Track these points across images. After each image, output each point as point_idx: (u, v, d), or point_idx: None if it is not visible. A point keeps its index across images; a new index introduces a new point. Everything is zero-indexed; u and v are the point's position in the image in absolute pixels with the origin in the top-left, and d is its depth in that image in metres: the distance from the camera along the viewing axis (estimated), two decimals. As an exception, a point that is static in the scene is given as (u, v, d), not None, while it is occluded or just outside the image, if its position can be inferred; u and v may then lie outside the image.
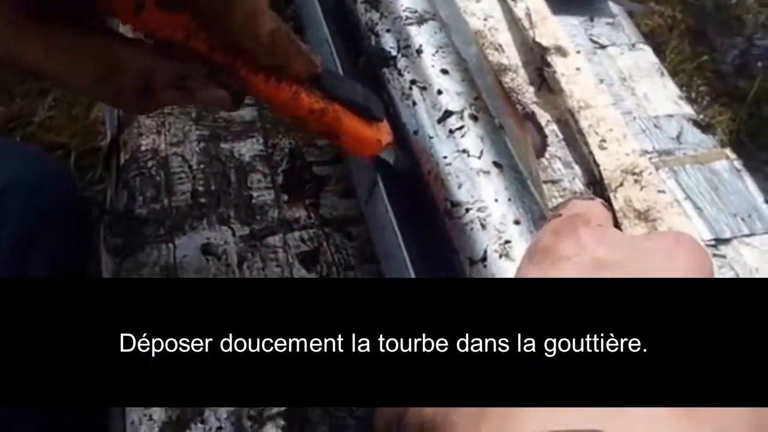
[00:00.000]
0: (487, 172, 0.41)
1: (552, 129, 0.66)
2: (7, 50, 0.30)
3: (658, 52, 1.70)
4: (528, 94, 0.68)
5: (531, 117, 0.66)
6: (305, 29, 0.62)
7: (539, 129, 0.65)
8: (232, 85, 0.35)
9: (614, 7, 0.78)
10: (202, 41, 0.33)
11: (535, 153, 0.62)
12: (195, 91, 0.34)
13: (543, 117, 0.66)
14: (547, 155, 0.63)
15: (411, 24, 0.48)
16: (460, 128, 0.43)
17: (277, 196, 0.53)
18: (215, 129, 0.57)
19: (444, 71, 0.46)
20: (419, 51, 0.47)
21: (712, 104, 1.68)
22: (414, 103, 0.45)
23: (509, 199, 0.40)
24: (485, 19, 0.74)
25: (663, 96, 0.70)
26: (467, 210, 0.39)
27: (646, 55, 0.74)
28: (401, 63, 0.47)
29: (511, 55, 0.71)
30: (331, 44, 0.51)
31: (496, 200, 0.39)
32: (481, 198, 0.39)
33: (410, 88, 0.45)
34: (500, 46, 0.72)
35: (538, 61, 0.70)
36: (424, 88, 0.45)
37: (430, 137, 0.43)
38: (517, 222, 0.39)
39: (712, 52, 1.76)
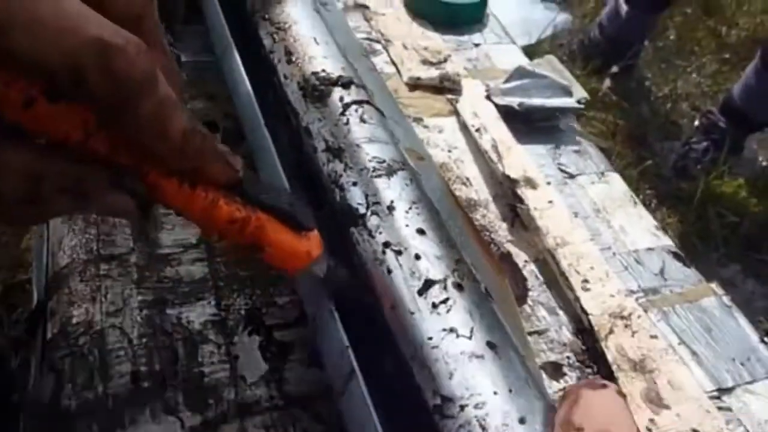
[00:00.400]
0: (481, 357, 0.35)
1: (530, 269, 0.61)
2: None
3: (608, 158, 1.74)
4: (501, 232, 0.64)
5: (507, 258, 0.61)
6: (259, 171, 0.57)
7: (517, 271, 0.60)
8: (137, 191, 0.30)
9: (579, 137, 0.76)
10: (102, 140, 0.28)
11: (516, 300, 0.57)
12: (93, 197, 0.29)
13: (519, 257, 0.62)
14: (529, 301, 0.58)
15: (379, 176, 0.44)
16: (445, 301, 0.37)
17: (232, 373, 0.46)
18: (160, 291, 0.51)
19: (420, 231, 0.41)
20: (391, 208, 0.42)
21: (660, 207, 1.70)
22: (389, 271, 0.39)
23: (510, 390, 0.34)
24: (449, 151, 0.71)
25: (640, 228, 0.67)
26: (462, 407, 0.33)
27: (617, 183, 0.72)
28: (371, 222, 0.42)
29: (479, 189, 0.68)
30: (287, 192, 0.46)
31: (495, 393, 0.33)
32: (477, 391, 0.33)
33: (383, 252, 0.40)
34: (467, 179, 0.68)
35: (509, 195, 0.66)
36: (399, 252, 0.40)
37: (411, 313, 0.37)
38: (522, 420, 0.32)
39: (653, 156, 1.80)
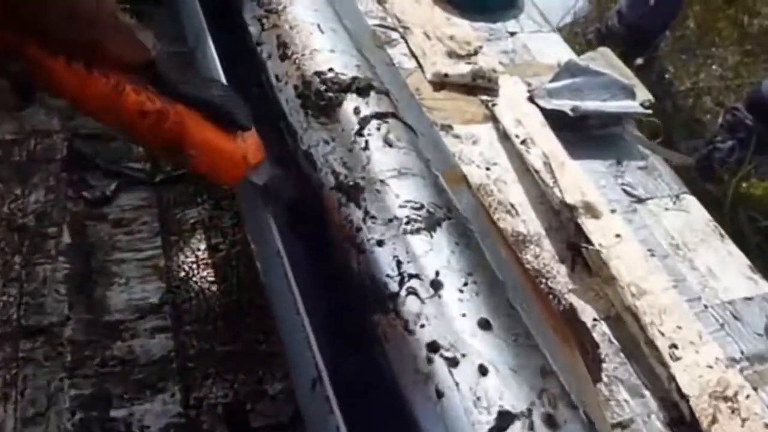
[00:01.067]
0: None
1: (602, 331, 0.46)
2: None
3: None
4: (560, 278, 0.49)
5: (571, 315, 0.47)
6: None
7: (585, 334, 0.46)
8: (13, 70, 0.25)
9: (644, 148, 0.61)
10: None
11: (590, 378, 0.43)
12: None
13: (586, 313, 0.47)
14: (604, 377, 0.44)
15: (417, 231, 0.29)
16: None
17: None
18: (103, 381, 0.36)
19: (484, 324, 0.27)
20: (437, 284, 0.28)
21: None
22: (439, 395, 0.25)
23: None
24: (488, 169, 0.56)
25: (732, 269, 0.53)
26: None
27: (696, 209, 0.57)
28: (408, 306, 0.27)
29: (528, 220, 0.53)
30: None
31: None
32: None
33: (429, 360, 0.26)
34: (512, 206, 0.54)
35: (568, 228, 0.52)
36: (454, 362, 0.25)
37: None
38: None
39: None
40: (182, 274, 0.42)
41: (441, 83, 0.63)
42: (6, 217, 0.42)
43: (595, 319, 0.47)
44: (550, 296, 0.48)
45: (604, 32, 1.90)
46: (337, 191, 0.31)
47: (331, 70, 0.34)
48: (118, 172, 0.46)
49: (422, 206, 0.30)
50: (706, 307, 0.50)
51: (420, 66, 0.64)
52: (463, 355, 0.25)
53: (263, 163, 0.30)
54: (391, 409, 0.26)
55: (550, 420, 0.24)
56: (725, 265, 0.53)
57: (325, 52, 0.35)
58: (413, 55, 0.65)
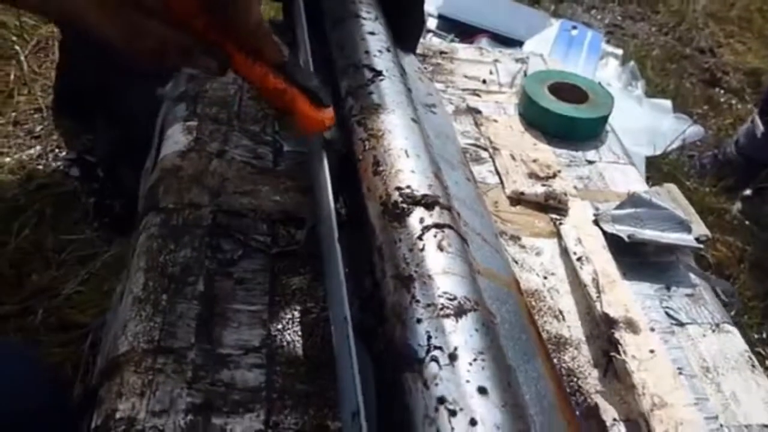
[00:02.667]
0: None
1: (619, 430, 0.54)
2: None
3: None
4: (591, 380, 0.57)
5: (593, 413, 0.54)
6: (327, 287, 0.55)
7: (603, 431, 0.53)
8: (219, 57, 0.48)
9: (695, 277, 0.68)
10: (203, 22, 0.46)
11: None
12: (193, 58, 0.47)
13: (608, 413, 0.55)
14: (611, 470, 0.51)
15: (447, 316, 0.40)
16: (497, 487, 0.32)
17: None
18: (210, 395, 0.48)
19: (482, 390, 0.36)
20: (453, 356, 0.38)
21: (787, 349, 1.53)
22: (438, 433, 0.34)
23: None
24: (545, 278, 0.66)
25: (756, 397, 0.58)
26: None
27: (734, 339, 0.63)
28: (429, 370, 0.37)
29: (573, 326, 0.62)
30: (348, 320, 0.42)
31: None
32: None
33: (436, 410, 0.35)
34: (560, 312, 0.63)
35: (604, 338, 0.60)
36: (453, 413, 0.35)
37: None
38: None
39: (784, 292, 1.63)
40: (280, 326, 0.54)
41: (518, 199, 0.73)
42: (160, 265, 0.56)
43: (614, 419, 0.55)
44: (577, 393, 0.56)
45: (721, 159, 1.94)
46: (394, 279, 0.42)
47: (408, 187, 0.46)
48: (246, 243, 0.59)
49: (455, 298, 0.41)
50: (721, 426, 0.56)
51: (502, 183, 0.75)
52: (461, 409, 0.35)
53: (333, 128, 0.54)
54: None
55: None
56: (751, 392, 0.59)
57: (407, 172, 0.47)
58: (497, 173, 0.76)
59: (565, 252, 0.67)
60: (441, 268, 0.42)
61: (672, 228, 0.69)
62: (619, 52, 2.17)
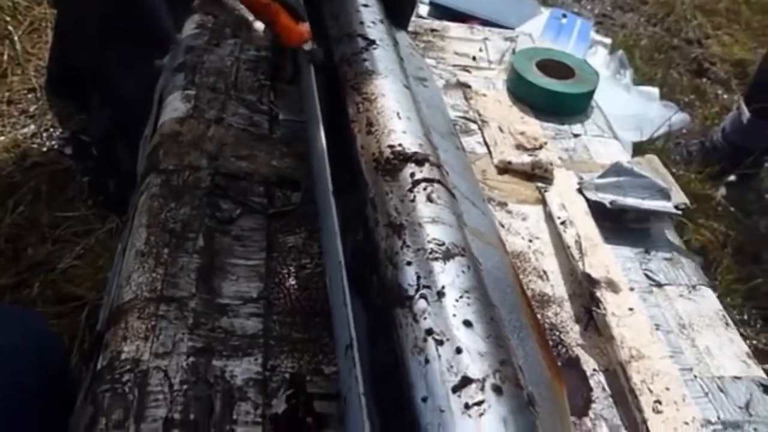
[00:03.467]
0: (508, 472, 0.32)
1: (598, 380, 0.57)
2: None
3: (709, 269, 1.63)
4: (572, 334, 0.60)
5: (574, 363, 0.57)
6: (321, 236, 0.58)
7: (583, 379, 0.56)
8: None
9: (673, 241, 0.71)
10: None
11: (577, 410, 0.53)
12: None
13: (588, 364, 0.58)
14: (590, 414, 0.54)
15: (436, 259, 0.42)
16: (479, 403, 0.35)
17: (262, 436, 0.45)
18: (210, 341, 0.51)
19: (467, 323, 0.39)
20: (441, 293, 0.40)
21: (766, 330, 1.57)
22: (426, 361, 0.37)
23: None
24: (530, 241, 0.68)
25: (729, 353, 0.61)
26: None
27: (709, 300, 0.66)
28: (418, 305, 0.40)
29: (556, 285, 0.64)
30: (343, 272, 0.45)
31: None
32: None
33: (425, 340, 0.38)
34: (544, 272, 0.65)
35: (586, 296, 0.62)
36: (440, 342, 0.38)
37: (441, 410, 0.35)
38: None
39: (766, 275, 1.67)
40: (276, 280, 0.57)
41: (505, 169, 0.76)
42: (162, 221, 0.59)
43: (594, 369, 0.58)
44: (560, 347, 0.59)
45: (707, 146, 1.98)
46: (386, 227, 0.45)
47: (400, 145, 0.48)
48: (243, 203, 0.62)
49: (443, 244, 0.43)
50: (695, 377, 0.59)
51: (490, 153, 0.78)
52: (447, 339, 0.38)
53: (311, 40, 0.66)
54: (394, 369, 0.39)
55: (497, 389, 0.36)
56: (724, 348, 0.62)
57: (399, 133, 0.49)
58: (486, 144, 0.79)
59: (549, 217, 0.70)
60: (430, 217, 0.45)
61: (652, 195, 0.72)
62: (608, 41, 2.20)
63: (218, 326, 0.52)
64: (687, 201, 0.73)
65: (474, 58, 0.93)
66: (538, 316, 0.61)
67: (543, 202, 0.72)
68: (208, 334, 0.51)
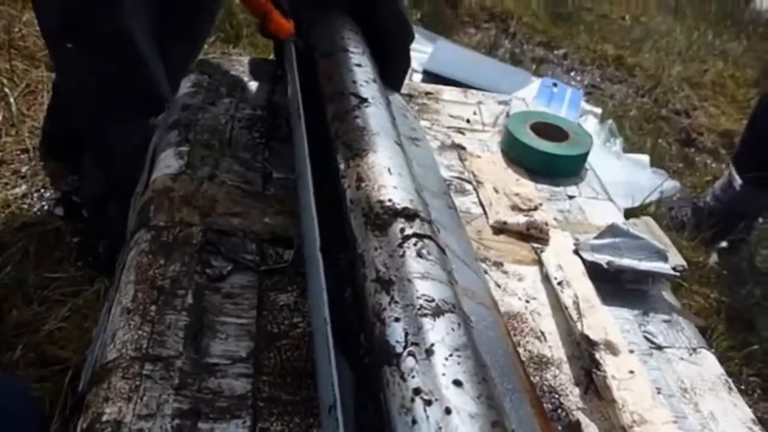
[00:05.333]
0: None
1: (600, 445, 0.54)
2: None
3: (704, 335, 1.61)
4: (572, 397, 0.58)
5: (575, 428, 0.55)
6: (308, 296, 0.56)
7: (584, 444, 0.54)
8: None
9: (671, 303, 0.70)
10: None
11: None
12: None
13: (589, 429, 0.55)
14: (592, 482, 0.51)
15: (425, 315, 0.41)
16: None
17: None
18: (197, 402, 0.49)
19: (457, 382, 0.37)
20: (430, 351, 0.39)
21: (765, 398, 1.54)
22: (414, 422, 0.35)
23: None
24: (527, 301, 0.67)
25: (734, 418, 0.59)
26: None
27: (710, 362, 0.65)
28: (406, 363, 0.38)
29: (554, 346, 0.63)
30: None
31: None
32: None
33: (412, 400, 0.36)
34: (542, 334, 0.64)
35: (585, 358, 0.61)
36: (428, 402, 0.36)
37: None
38: None
39: (761, 342, 1.65)
40: (267, 339, 0.55)
41: (500, 229, 0.75)
42: (150, 278, 0.57)
43: (595, 435, 0.55)
44: (560, 410, 0.57)
45: (699, 212, 1.98)
46: (375, 282, 0.44)
47: (390, 200, 0.48)
48: (235, 260, 0.60)
49: (433, 300, 0.42)
50: (701, 444, 0.57)
51: (485, 213, 0.77)
52: (436, 399, 0.36)
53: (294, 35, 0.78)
54: (380, 431, 0.37)
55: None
56: (728, 413, 0.60)
57: (389, 188, 0.48)
58: (481, 204, 0.79)
59: (546, 278, 0.69)
60: (420, 273, 0.44)
61: (649, 257, 0.71)
62: (598, 110, 2.25)
63: (205, 387, 0.50)
64: (684, 263, 0.73)
65: (468, 121, 0.93)
66: (536, 378, 0.59)
67: (539, 262, 0.71)
68: (195, 395, 0.49)
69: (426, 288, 0.42)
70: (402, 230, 0.46)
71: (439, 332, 0.39)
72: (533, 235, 0.75)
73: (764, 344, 1.66)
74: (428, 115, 0.93)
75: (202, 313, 0.55)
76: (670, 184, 1.91)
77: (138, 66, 1.11)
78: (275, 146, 0.76)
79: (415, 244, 0.44)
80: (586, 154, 0.87)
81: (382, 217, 0.46)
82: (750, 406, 1.51)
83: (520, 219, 0.75)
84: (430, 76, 2.10)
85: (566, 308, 0.64)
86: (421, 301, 0.41)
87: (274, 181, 0.72)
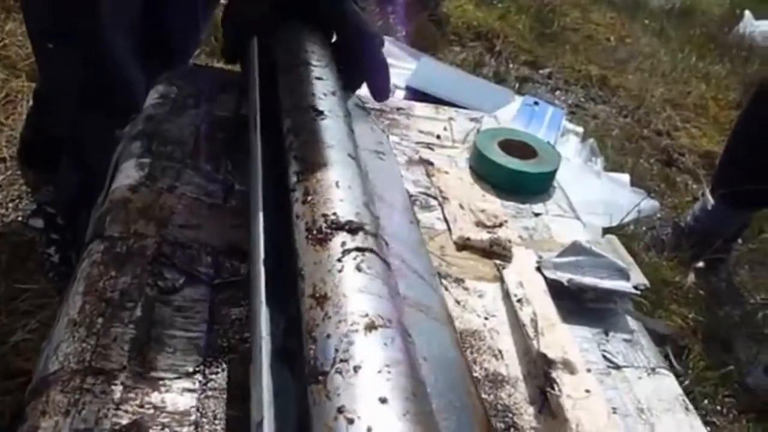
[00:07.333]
0: None
1: (551, 466, 0.54)
2: None
3: (680, 356, 1.60)
4: (526, 416, 0.57)
5: (526, 447, 0.54)
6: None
7: (534, 464, 0.53)
8: None
9: (632, 323, 0.70)
10: None
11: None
12: None
13: (541, 448, 0.55)
14: (540, 503, 0.50)
15: (356, 331, 0.40)
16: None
17: None
18: (138, 416, 0.48)
19: (382, 400, 0.36)
20: (357, 368, 0.38)
21: (740, 419, 1.54)
22: (335, 441, 0.35)
23: None
24: (486, 318, 0.67)
25: (690, 439, 0.59)
26: None
27: (669, 383, 0.64)
28: (333, 382, 0.38)
29: (510, 364, 0.62)
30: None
31: None
32: None
33: (335, 419, 0.36)
34: (499, 352, 0.63)
35: (541, 377, 0.60)
36: (351, 421, 0.35)
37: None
38: None
39: (738, 363, 1.65)
40: (215, 353, 0.54)
41: (463, 245, 0.75)
42: (99, 290, 0.56)
43: (547, 455, 0.55)
44: (513, 429, 0.56)
45: (679, 232, 1.99)
46: (311, 298, 0.43)
47: (334, 214, 0.47)
48: (188, 272, 0.60)
49: (367, 315, 0.41)
50: (654, 465, 0.56)
51: (449, 229, 0.77)
52: (359, 418, 0.35)
53: None
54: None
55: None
56: (684, 434, 0.60)
57: (336, 201, 0.48)
58: (445, 220, 0.78)
59: (506, 295, 0.69)
60: (357, 288, 0.43)
61: (611, 275, 0.71)
62: (580, 129, 2.26)
63: (148, 402, 0.49)
64: (646, 282, 0.72)
65: (438, 137, 0.93)
66: (491, 396, 0.58)
67: (501, 279, 0.71)
68: (136, 410, 0.48)
69: (361, 303, 0.41)
70: (343, 244, 0.45)
71: (369, 349, 0.38)
72: (496, 252, 0.74)
73: (741, 365, 1.66)
74: (398, 130, 0.93)
75: (150, 326, 0.55)
76: (649, 204, 1.92)
77: (114, 70, 1.11)
78: (239, 158, 0.75)
79: (354, 258, 0.44)
80: (554, 172, 0.87)
81: (324, 231, 0.46)
82: (725, 427, 1.51)
83: (484, 235, 0.75)
84: (413, 93, 2.11)
85: (524, 326, 0.63)
86: (354, 317, 0.40)
87: (235, 194, 0.71)
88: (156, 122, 0.78)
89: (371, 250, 0.45)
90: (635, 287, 0.71)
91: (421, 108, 1.00)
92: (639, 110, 2.75)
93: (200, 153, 0.75)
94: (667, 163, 2.45)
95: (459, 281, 0.70)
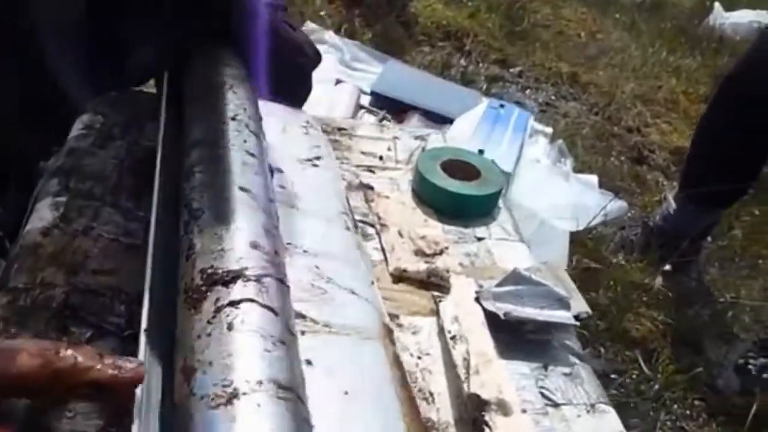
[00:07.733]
0: None
1: None
2: None
3: (649, 360, 1.59)
4: (454, 467, 0.55)
5: (451, 503, 0.52)
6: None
7: None
8: None
9: (573, 355, 0.67)
10: None
11: None
12: None
13: (467, 503, 0.52)
14: None
15: (217, 406, 0.37)
16: None
17: None
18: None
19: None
20: None
21: (709, 422, 1.53)
22: None
23: None
24: (419, 358, 0.64)
25: (627, 483, 0.56)
26: None
27: (609, 419, 0.62)
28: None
29: (442, 408, 0.60)
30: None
31: None
32: None
33: None
34: (431, 394, 0.61)
35: (471, 422, 0.58)
36: None
37: None
38: None
39: (708, 365, 1.64)
40: (119, 415, 0.51)
41: (400, 277, 0.72)
42: (-1, 349, 0.53)
43: None
44: (439, 482, 0.54)
45: (647, 234, 1.97)
46: (181, 372, 0.40)
47: (211, 267, 0.44)
48: (97, 325, 0.56)
49: (230, 384, 0.38)
50: None
51: (386, 260, 0.74)
52: None
53: None
54: None
55: None
56: (622, 478, 0.57)
57: (216, 253, 0.45)
58: (383, 250, 0.75)
59: (442, 331, 0.66)
60: (226, 352, 0.40)
61: (551, 305, 0.68)
62: (549, 130, 2.24)
63: (39, 475, 0.46)
64: (588, 309, 0.70)
65: (381, 158, 0.90)
66: (419, 446, 0.55)
67: (437, 313, 0.68)
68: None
69: (226, 370, 0.38)
70: (217, 301, 0.42)
71: (231, 422, 0.35)
72: (434, 283, 0.72)
73: (711, 367, 1.65)
74: (339, 152, 0.90)
75: (50, 387, 0.51)
76: (616, 205, 1.90)
77: (54, 81, 1.07)
78: (162, 193, 0.72)
79: (227, 316, 0.41)
80: (497, 194, 0.84)
81: (200, 290, 0.43)
82: (695, 431, 1.48)
83: (421, 266, 0.72)
84: (378, 98, 2.08)
85: (455, 366, 0.61)
86: (216, 389, 0.37)
87: (158, 232, 0.68)
88: (77, 156, 0.75)
89: (250, 300, 0.42)
90: (576, 316, 0.69)
91: (364, 128, 0.97)
92: (610, 107, 2.73)
93: (122, 189, 0.72)
94: (638, 160, 2.44)
95: (393, 317, 0.67)
